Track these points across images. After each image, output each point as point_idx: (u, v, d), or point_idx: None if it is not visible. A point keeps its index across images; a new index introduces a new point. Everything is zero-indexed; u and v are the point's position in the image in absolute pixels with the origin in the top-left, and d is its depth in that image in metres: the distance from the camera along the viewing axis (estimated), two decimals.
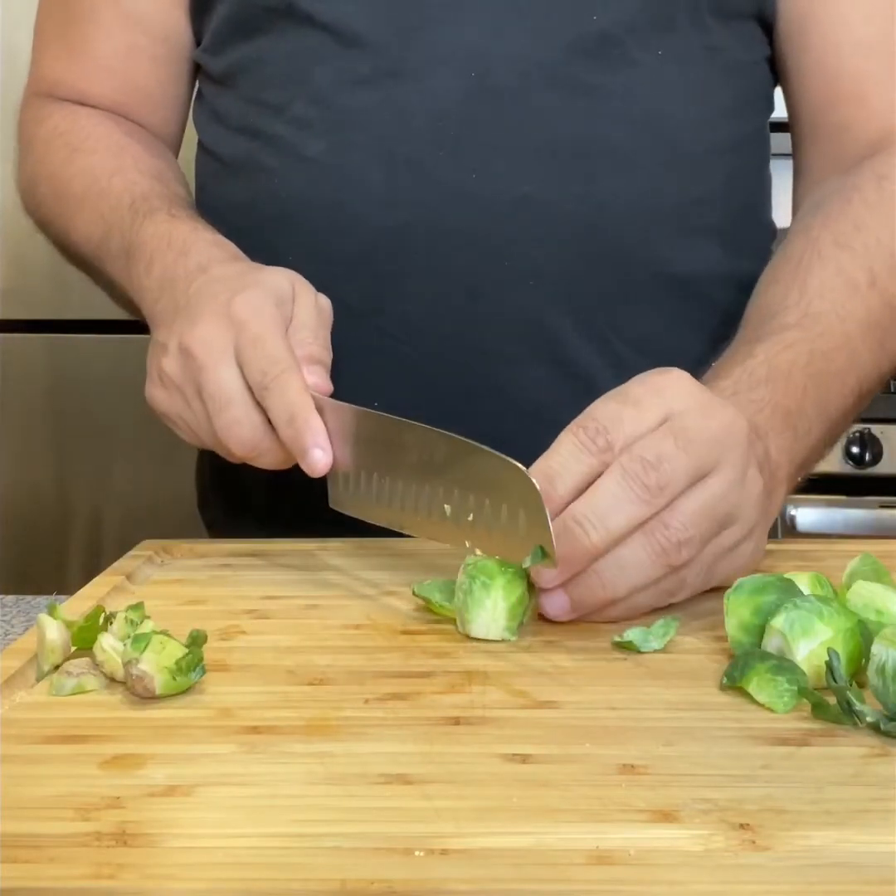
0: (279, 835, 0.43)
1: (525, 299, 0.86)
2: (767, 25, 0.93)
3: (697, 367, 0.75)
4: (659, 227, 0.88)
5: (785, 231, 0.92)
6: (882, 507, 1.78)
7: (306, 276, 0.79)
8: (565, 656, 0.60)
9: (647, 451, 0.62)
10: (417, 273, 0.86)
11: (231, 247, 0.84)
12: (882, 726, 0.50)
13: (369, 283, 0.87)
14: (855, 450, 1.77)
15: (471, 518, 0.64)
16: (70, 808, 0.45)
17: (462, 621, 0.63)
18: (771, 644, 0.57)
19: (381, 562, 0.77)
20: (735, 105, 0.92)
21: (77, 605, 0.68)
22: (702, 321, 0.90)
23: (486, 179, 0.85)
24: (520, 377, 0.87)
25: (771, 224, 0.98)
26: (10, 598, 0.81)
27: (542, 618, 0.64)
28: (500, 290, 0.86)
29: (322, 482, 0.73)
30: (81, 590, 0.72)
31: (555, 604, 0.63)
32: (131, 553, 0.80)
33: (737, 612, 0.59)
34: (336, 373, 0.78)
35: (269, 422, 0.72)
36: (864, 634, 0.55)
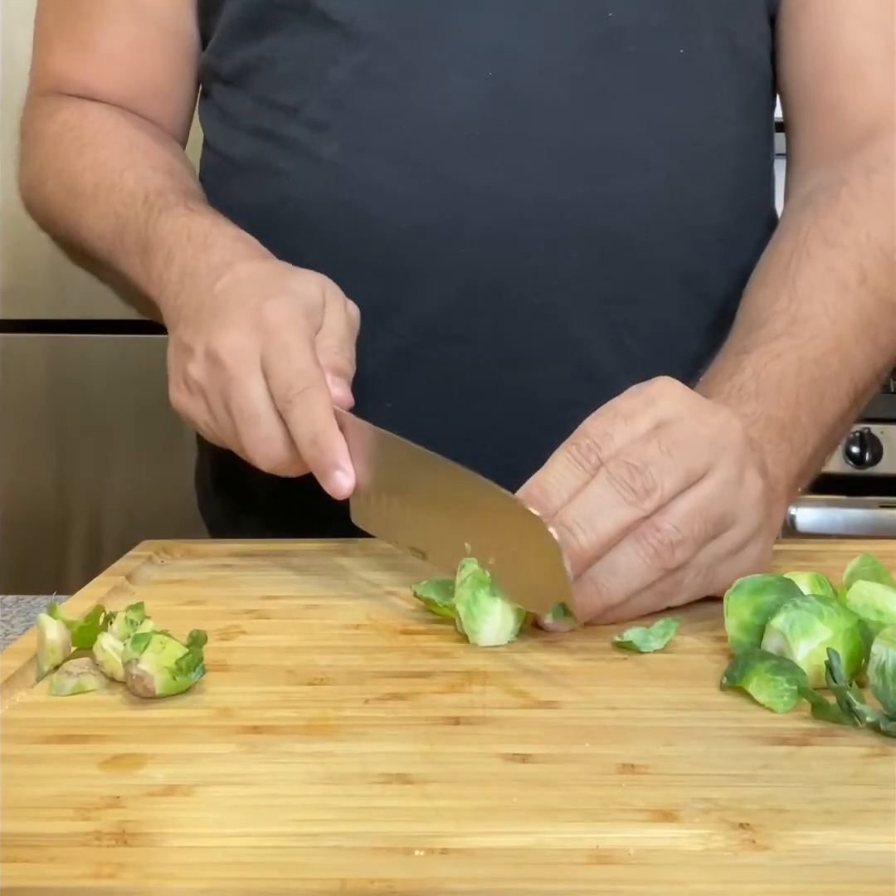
0: (279, 834, 0.43)
1: (542, 299, 0.86)
2: (772, 16, 0.93)
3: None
4: (674, 225, 0.88)
5: None
6: (882, 507, 1.78)
7: (320, 274, 0.79)
8: (565, 656, 0.60)
9: (633, 456, 0.62)
10: (434, 274, 0.86)
11: (254, 242, 0.83)
12: (882, 726, 0.50)
13: (385, 285, 0.87)
14: (855, 450, 1.77)
15: (491, 561, 0.62)
16: (70, 808, 0.45)
17: (469, 632, 0.62)
18: (771, 644, 0.57)
19: (381, 562, 0.77)
20: (746, 103, 0.92)
21: (77, 605, 0.68)
22: (715, 320, 0.89)
23: (503, 180, 0.85)
24: (538, 377, 0.87)
25: (777, 221, 0.98)
26: (10, 598, 0.81)
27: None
28: (517, 290, 0.86)
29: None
30: (81, 590, 0.72)
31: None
32: (131, 553, 0.80)
33: (737, 612, 0.59)
34: (354, 375, 0.78)
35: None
36: (864, 634, 0.55)
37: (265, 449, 0.72)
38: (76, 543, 2.02)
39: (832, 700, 0.51)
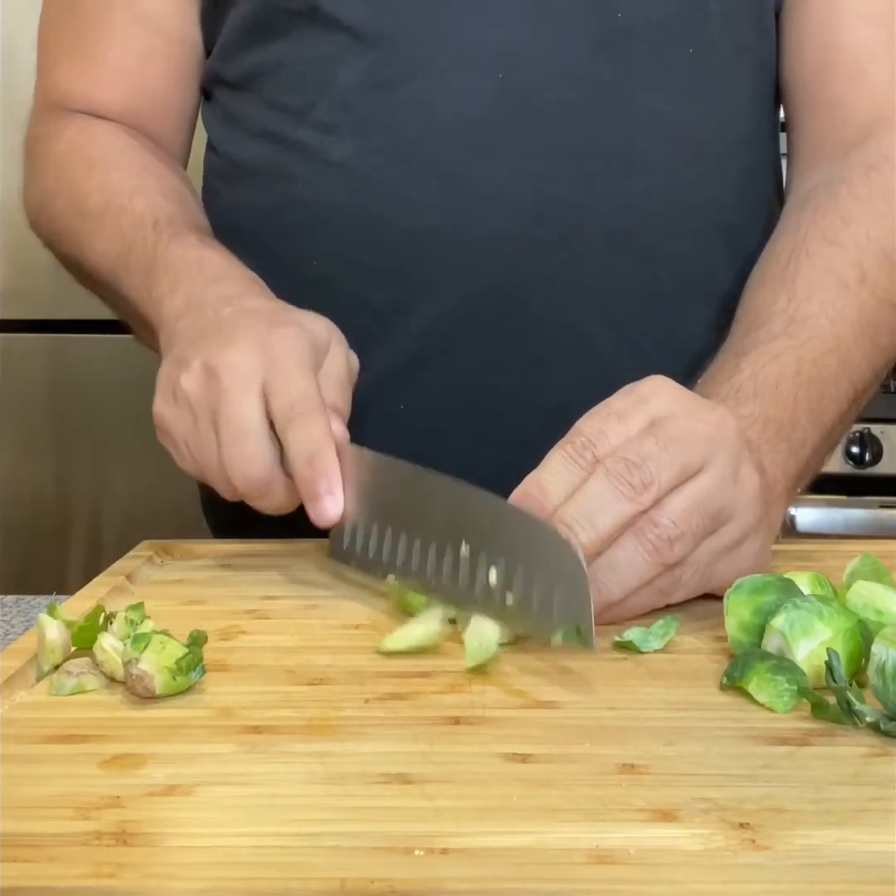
0: (279, 834, 0.43)
1: (552, 300, 0.86)
2: (777, 12, 0.93)
3: None
4: (680, 225, 0.88)
5: None
6: (882, 507, 1.78)
7: (331, 281, 0.79)
8: (565, 656, 0.60)
9: (630, 452, 0.62)
10: (445, 276, 0.86)
11: (263, 284, 0.82)
12: (882, 726, 0.50)
13: (396, 287, 0.86)
14: (855, 450, 1.77)
15: (493, 580, 0.61)
16: (70, 808, 0.45)
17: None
18: (771, 644, 0.57)
19: None
20: (753, 101, 0.92)
21: (77, 605, 0.68)
22: (723, 318, 0.88)
23: (512, 181, 0.85)
24: (548, 378, 0.87)
25: None
26: (10, 598, 0.81)
27: None
28: (527, 291, 0.86)
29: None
30: (81, 590, 0.72)
31: None
32: (131, 553, 0.80)
33: (737, 612, 0.59)
34: (362, 377, 0.78)
35: (283, 462, 0.70)
36: (864, 634, 0.55)
37: (247, 468, 0.70)
38: (76, 543, 2.02)
39: (832, 700, 0.51)
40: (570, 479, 0.63)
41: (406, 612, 0.66)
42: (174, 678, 0.55)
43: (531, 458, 0.65)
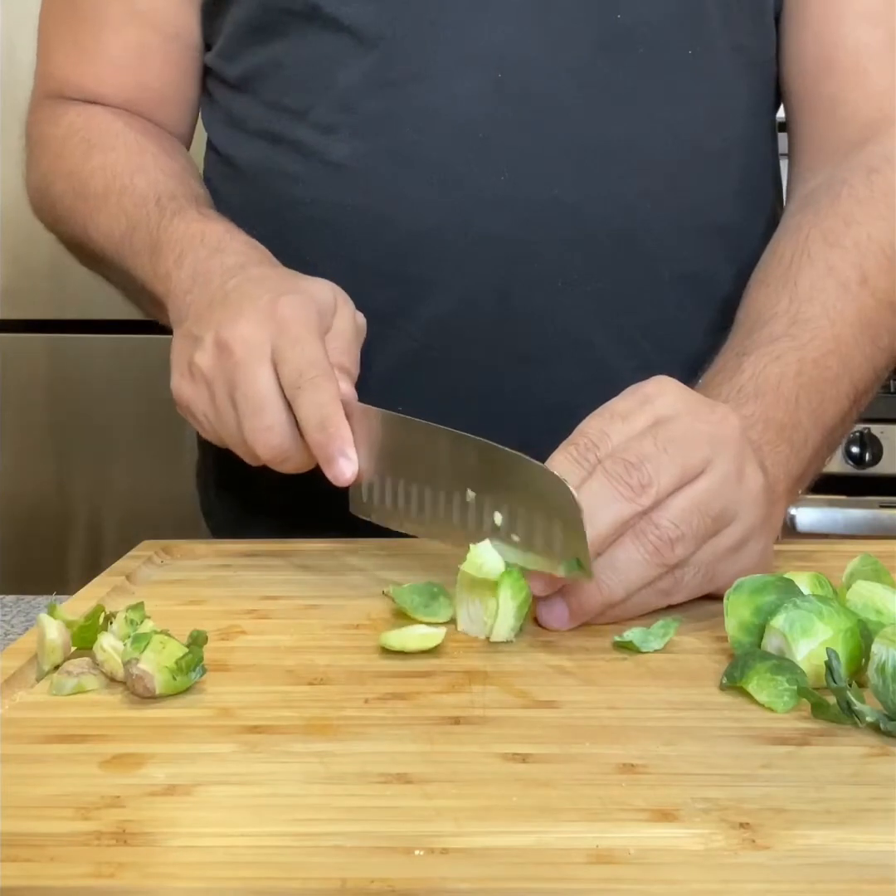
0: (279, 834, 0.43)
1: (553, 301, 0.86)
2: (777, 13, 0.93)
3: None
4: (681, 225, 0.88)
5: None
6: (882, 507, 1.78)
7: (331, 281, 0.79)
8: (565, 656, 0.60)
9: (629, 453, 0.63)
10: (445, 276, 0.86)
11: (267, 251, 0.83)
12: (882, 726, 0.50)
13: (396, 288, 0.87)
14: (855, 450, 1.77)
15: (498, 522, 0.63)
16: (70, 808, 0.45)
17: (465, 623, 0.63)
18: (771, 644, 0.57)
19: (381, 562, 0.77)
20: (753, 102, 0.92)
21: (77, 605, 0.68)
22: (722, 319, 0.89)
23: (513, 182, 0.85)
24: (548, 379, 0.87)
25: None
26: (10, 598, 0.81)
27: None
28: (528, 292, 0.86)
29: (338, 488, 0.72)
30: (81, 590, 0.72)
31: (554, 613, 0.63)
32: (131, 553, 0.80)
33: (737, 612, 0.59)
34: (363, 376, 0.78)
35: (297, 426, 0.71)
36: (864, 634, 0.55)
37: (267, 437, 0.72)
38: (76, 543, 2.02)
39: (832, 700, 0.51)
40: (571, 480, 0.62)
41: (406, 616, 0.66)
42: (174, 678, 0.55)
43: (533, 458, 0.65)
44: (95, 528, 2.02)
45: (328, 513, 0.76)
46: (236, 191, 0.93)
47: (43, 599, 0.80)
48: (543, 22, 0.85)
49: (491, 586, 0.62)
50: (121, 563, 0.78)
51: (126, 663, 0.55)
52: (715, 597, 0.65)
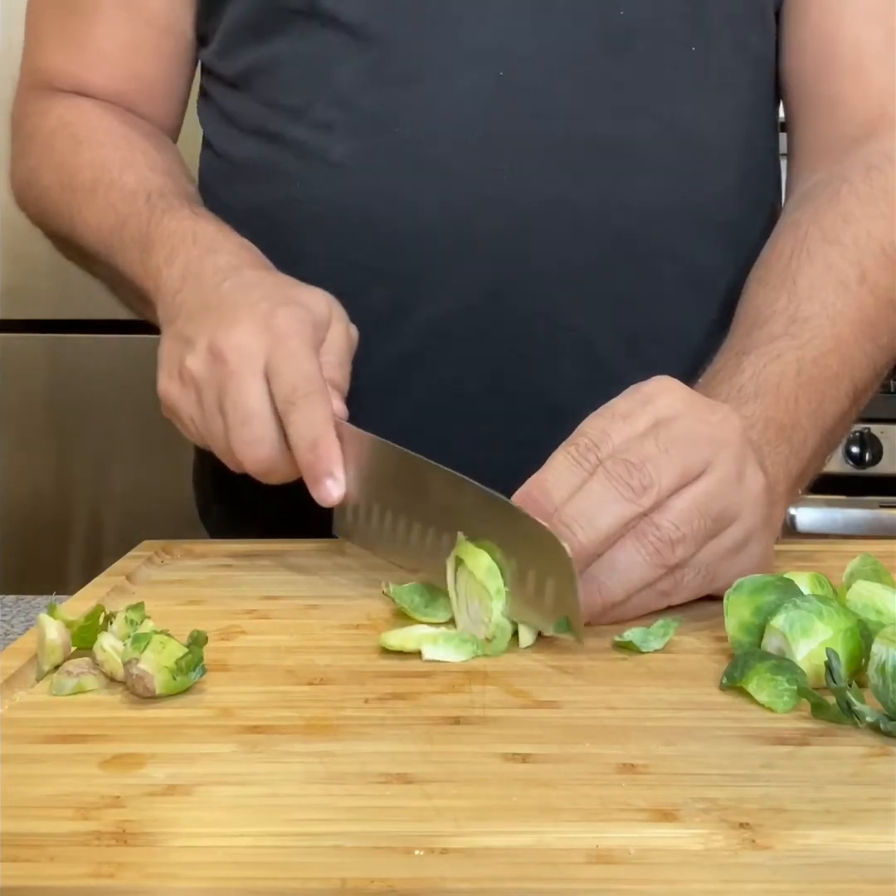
0: (279, 834, 0.43)
1: (552, 300, 0.86)
2: (777, 10, 0.93)
3: None
4: (681, 223, 0.88)
5: None
6: (882, 507, 1.78)
7: (329, 280, 0.78)
8: (565, 656, 0.60)
9: (631, 454, 0.62)
10: (444, 276, 0.86)
11: (259, 252, 0.83)
12: (882, 726, 0.50)
13: (394, 287, 0.86)
14: (855, 450, 1.76)
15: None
16: (70, 808, 0.45)
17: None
18: (771, 644, 0.57)
19: (381, 562, 0.77)
20: (754, 99, 0.92)
21: (77, 605, 0.68)
22: (723, 317, 0.88)
23: (511, 180, 0.84)
24: (547, 378, 0.87)
25: None
26: (10, 598, 0.81)
27: None
28: (527, 291, 0.86)
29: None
30: (81, 590, 0.72)
31: None
32: (131, 553, 0.80)
33: (737, 612, 0.59)
34: (360, 375, 0.78)
35: (286, 440, 0.71)
36: (864, 634, 0.55)
37: (254, 450, 0.72)
38: (76, 543, 2.02)
39: (832, 700, 0.51)
40: (572, 480, 0.62)
41: (406, 616, 0.66)
42: (174, 678, 0.55)
43: (531, 458, 0.65)
44: (95, 528, 2.02)
45: (327, 514, 0.76)
46: (232, 189, 0.93)
47: (43, 599, 0.80)
48: (544, 19, 0.84)
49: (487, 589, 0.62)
50: (121, 563, 0.78)
51: (126, 663, 0.55)
52: (715, 597, 0.65)
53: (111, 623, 0.60)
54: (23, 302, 2.00)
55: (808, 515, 1.74)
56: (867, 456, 1.77)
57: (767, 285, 0.83)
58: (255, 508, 0.95)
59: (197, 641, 0.57)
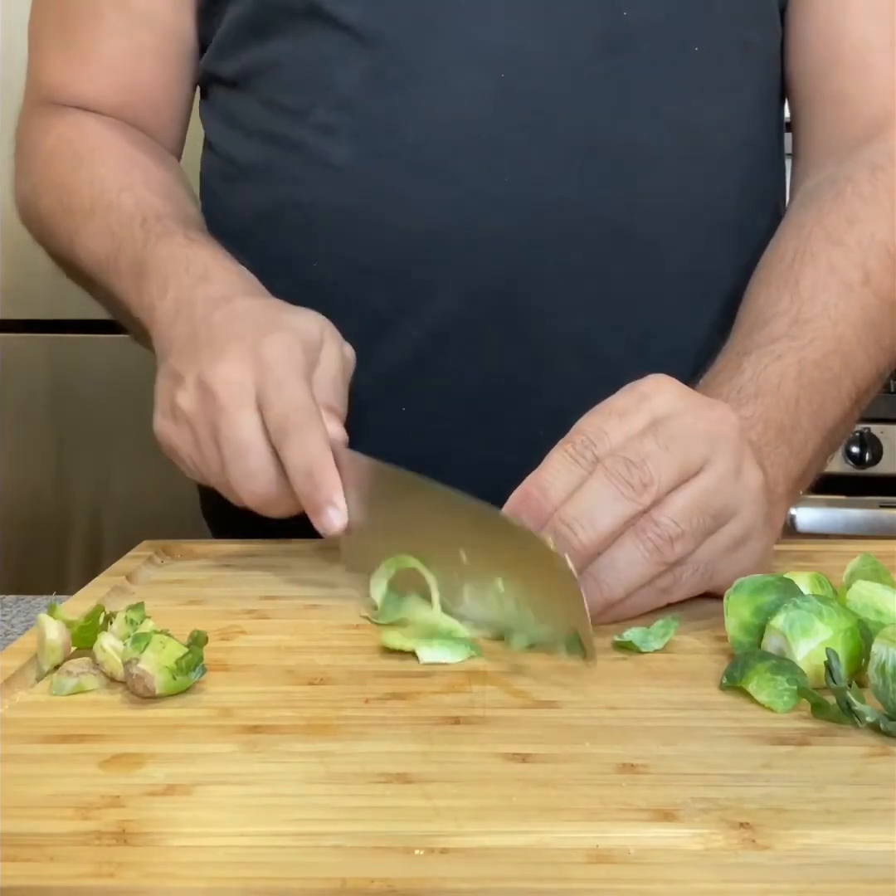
0: (279, 834, 0.43)
1: (556, 301, 0.86)
2: (782, 9, 0.93)
3: None
4: (685, 223, 0.88)
5: None
6: (882, 507, 1.78)
7: (331, 283, 0.78)
8: (565, 656, 0.60)
9: (630, 452, 0.62)
10: (448, 279, 0.85)
11: (254, 279, 0.82)
12: (882, 726, 0.50)
13: (398, 290, 0.86)
14: (855, 450, 1.77)
15: (500, 589, 0.61)
16: (70, 807, 0.45)
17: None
18: (771, 644, 0.57)
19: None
20: (758, 98, 0.92)
21: (77, 605, 0.68)
22: (727, 317, 0.88)
23: (514, 182, 0.84)
24: (551, 379, 0.87)
25: None
26: (10, 598, 0.81)
27: None
28: (531, 292, 0.85)
29: None
30: (81, 590, 0.72)
31: None
32: (131, 553, 0.80)
33: (737, 612, 0.59)
34: (364, 378, 0.78)
35: (284, 471, 0.70)
36: (864, 634, 0.55)
37: (252, 484, 0.71)
38: (76, 543, 2.02)
39: (832, 700, 0.51)
40: (570, 479, 0.62)
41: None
42: (174, 678, 0.55)
43: (533, 459, 0.65)
44: (95, 528, 2.02)
45: None
46: (234, 191, 0.93)
47: (43, 599, 0.80)
48: (546, 20, 0.84)
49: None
50: (121, 563, 0.78)
51: (126, 663, 0.55)
52: (714, 596, 0.65)
53: (111, 623, 0.60)
54: (23, 302, 2.00)
55: (808, 515, 1.74)
56: (867, 456, 1.77)
57: (770, 286, 0.83)
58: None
59: (197, 641, 0.57)
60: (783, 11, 0.93)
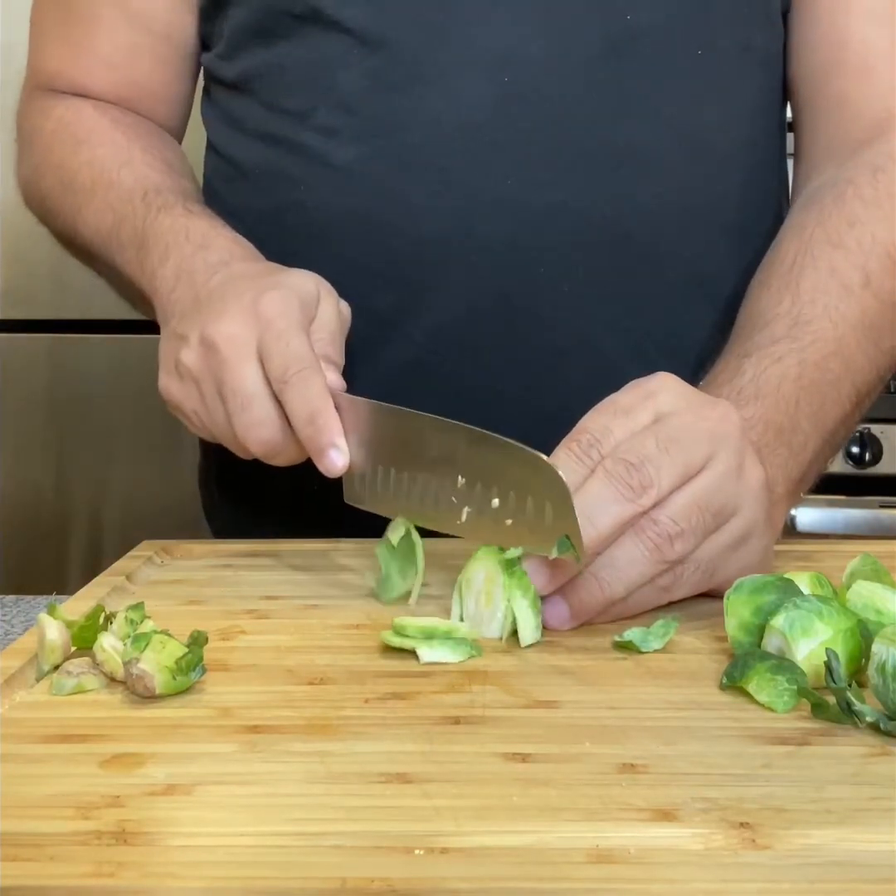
0: (279, 833, 0.43)
1: (559, 305, 0.86)
2: (784, 11, 0.93)
3: None
4: (687, 226, 0.88)
5: None
6: (882, 507, 1.78)
7: (333, 285, 0.78)
8: (565, 656, 0.60)
9: (630, 453, 0.62)
10: (450, 281, 0.85)
11: (250, 246, 0.83)
12: (882, 726, 0.50)
13: (400, 292, 0.86)
14: (855, 450, 1.76)
15: (495, 507, 0.64)
16: (70, 807, 0.45)
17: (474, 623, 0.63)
18: (771, 644, 0.57)
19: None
20: (760, 101, 0.92)
21: (77, 605, 0.68)
22: (728, 319, 0.88)
23: (516, 185, 0.84)
24: (553, 383, 0.87)
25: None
26: (10, 598, 0.81)
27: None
28: (533, 296, 0.85)
29: (338, 485, 0.72)
30: (81, 590, 0.72)
31: (555, 613, 0.63)
32: (131, 553, 0.80)
33: (737, 612, 0.59)
34: (365, 380, 0.78)
35: (287, 419, 0.72)
36: (864, 634, 0.55)
37: (258, 432, 0.72)
38: (76, 543, 2.02)
39: (832, 700, 0.51)
40: (573, 478, 0.62)
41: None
42: (174, 678, 0.55)
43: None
44: (95, 528, 2.02)
45: (331, 514, 0.76)
46: (237, 192, 0.93)
47: (43, 599, 0.80)
48: (549, 23, 0.84)
49: (495, 587, 0.62)
50: (121, 563, 0.78)
51: (126, 663, 0.55)
52: (714, 596, 0.65)
53: (111, 623, 0.60)
54: (23, 302, 2.00)
55: (808, 515, 1.74)
56: (867, 456, 1.77)
57: (770, 288, 0.83)
58: (260, 508, 0.95)
59: (197, 641, 0.57)
60: (785, 14, 0.93)
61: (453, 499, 0.66)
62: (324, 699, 0.55)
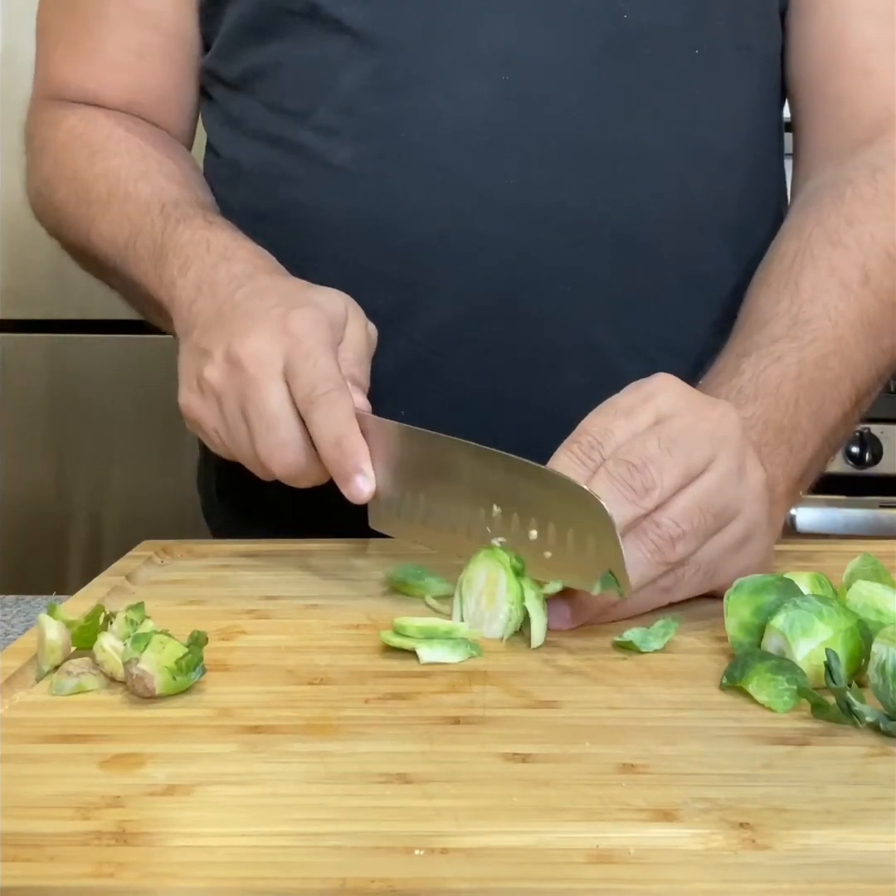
0: (279, 834, 0.43)
1: (559, 305, 0.86)
2: (782, 11, 0.92)
3: None
4: (687, 226, 0.88)
5: None
6: (882, 507, 1.78)
7: (333, 285, 0.78)
8: (565, 656, 0.60)
9: (632, 454, 0.62)
10: (449, 281, 0.85)
11: (272, 258, 0.82)
12: (882, 726, 0.50)
13: (399, 292, 0.86)
14: (855, 450, 1.76)
15: (533, 538, 0.62)
16: (70, 808, 0.45)
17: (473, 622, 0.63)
18: (771, 644, 0.57)
19: (382, 562, 0.77)
20: (759, 100, 0.92)
21: (77, 605, 0.68)
22: (727, 319, 0.88)
23: (518, 186, 0.84)
24: (553, 383, 0.87)
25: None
26: (10, 598, 0.81)
27: None
28: (533, 297, 0.85)
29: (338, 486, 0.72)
30: (81, 590, 0.72)
31: (556, 614, 0.63)
32: (131, 553, 0.80)
33: (737, 612, 0.59)
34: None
35: (311, 441, 0.70)
36: (864, 634, 0.55)
37: (281, 454, 0.71)
38: (76, 543, 2.02)
39: (832, 700, 0.51)
40: (576, 479, 0.62)
41: (403, 592, 0.67)
42: (174, 678, 0.55)
43: (534, 460, 0.65)
44: (95, 528, 2.02)
45: (331, 514, 0.76)
46: (236, 192, 0.93)
47: (43, 599, 0.80)
48: (549, 23, 0.84)
49: (497, 588, 0.62)
50: (121, 563, 0.78)
51: (126, 663, 0.55)
52: (715, 596, 0.65)
53: (111, 623, 0.60)
54: (23, 302, 2.00)
55: (808, 515, 1.74)
56: (867, 456, 1.77)
57: (770, 287, 0.83)
58: (259, 508, 0.95)
59: (197, 641, 0.57)
60: (783, 15, 0.93)
61: (488, 528, 0.64)
62: (324, 699, 0.55)
